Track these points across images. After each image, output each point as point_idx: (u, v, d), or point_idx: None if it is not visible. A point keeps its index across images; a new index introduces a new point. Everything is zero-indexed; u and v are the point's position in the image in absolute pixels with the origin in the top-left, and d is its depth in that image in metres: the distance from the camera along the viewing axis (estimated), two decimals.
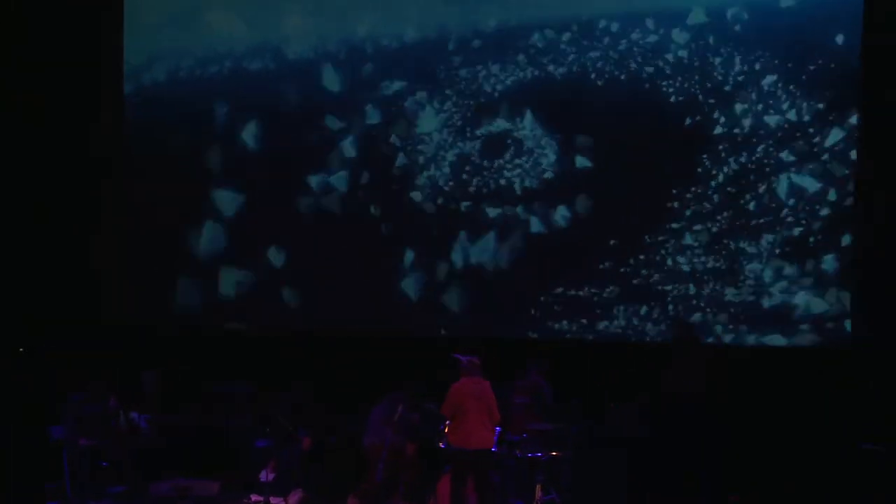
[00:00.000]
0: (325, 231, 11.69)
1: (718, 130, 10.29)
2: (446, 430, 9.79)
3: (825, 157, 9.98)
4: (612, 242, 10.65)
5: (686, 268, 10.43)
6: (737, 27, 10.21)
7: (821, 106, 9.95)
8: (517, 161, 11.06)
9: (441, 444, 9.95)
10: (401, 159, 11.42)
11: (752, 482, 9.55)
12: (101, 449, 10.51)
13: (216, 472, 10.66)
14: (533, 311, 10.98)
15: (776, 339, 10.13)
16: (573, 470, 10.09)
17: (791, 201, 10.07)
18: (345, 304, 11.60)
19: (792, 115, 10.03)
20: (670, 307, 10.54)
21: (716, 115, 10.26)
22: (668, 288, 10.52)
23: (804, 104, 10.02)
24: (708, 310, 10.37)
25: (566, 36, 10.88)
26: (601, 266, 10.71)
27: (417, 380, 10.19)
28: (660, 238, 10.52)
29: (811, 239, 10.00)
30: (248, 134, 11.92)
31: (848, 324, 9.89)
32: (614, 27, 10.61)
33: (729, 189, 10.27)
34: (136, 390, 11.02)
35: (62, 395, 10.55)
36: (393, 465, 9.99)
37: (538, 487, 9.98)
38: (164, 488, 10.37)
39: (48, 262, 11.91)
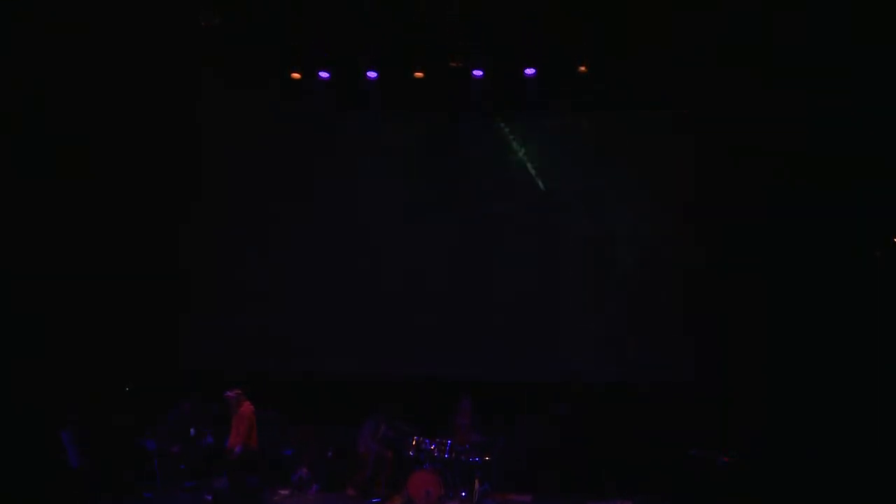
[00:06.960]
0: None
1: None
2: (236, 442, 11.60)
3: None
4: None
5: None
6: None
7: None
8: None
9: (237, 449, 11.68)
10: None
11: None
12: (181, 455, 12.99)
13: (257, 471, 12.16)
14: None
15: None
16: (498, 468, 12.90)
17: None
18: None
19: None
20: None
21: None
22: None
23: None
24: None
25: None
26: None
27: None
28: None
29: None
30: None
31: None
32: None
33: None
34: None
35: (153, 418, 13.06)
36: (377, 465, 12.68)
37: (476, 481, 12.52)
38: (222, 482, 12.11)
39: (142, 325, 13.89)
